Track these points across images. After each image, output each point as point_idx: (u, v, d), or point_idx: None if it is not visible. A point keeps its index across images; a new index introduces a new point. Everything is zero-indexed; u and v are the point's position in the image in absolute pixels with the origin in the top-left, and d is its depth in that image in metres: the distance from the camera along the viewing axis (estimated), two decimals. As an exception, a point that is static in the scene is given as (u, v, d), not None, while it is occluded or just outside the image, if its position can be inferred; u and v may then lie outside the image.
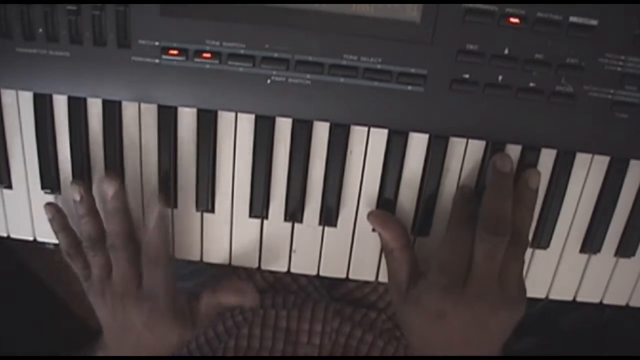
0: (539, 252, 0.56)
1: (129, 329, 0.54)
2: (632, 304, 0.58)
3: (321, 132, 0.52)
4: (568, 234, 0.55)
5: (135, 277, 0.54)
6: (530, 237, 0.54)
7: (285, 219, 0.55)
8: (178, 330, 0.55)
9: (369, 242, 0.55)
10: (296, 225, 0.56)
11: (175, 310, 0.54)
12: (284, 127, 0.52)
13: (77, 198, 0.54)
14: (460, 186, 0.53)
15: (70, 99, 0.52)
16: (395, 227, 0.53)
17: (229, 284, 0.57)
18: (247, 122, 0.52)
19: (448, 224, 0.52)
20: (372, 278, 0.57)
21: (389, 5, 0.48)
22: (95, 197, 0.55)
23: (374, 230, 0.55)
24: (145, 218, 0.54)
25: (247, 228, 0.56)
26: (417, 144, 0.53)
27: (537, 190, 0.52)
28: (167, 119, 0.52)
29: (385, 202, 0.54)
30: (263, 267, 0.57)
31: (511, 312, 0.50)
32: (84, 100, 0.53)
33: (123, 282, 0.53)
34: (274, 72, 0.50)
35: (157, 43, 0.50)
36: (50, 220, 0.56)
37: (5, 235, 0.58)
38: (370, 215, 0.54)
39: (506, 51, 0.49)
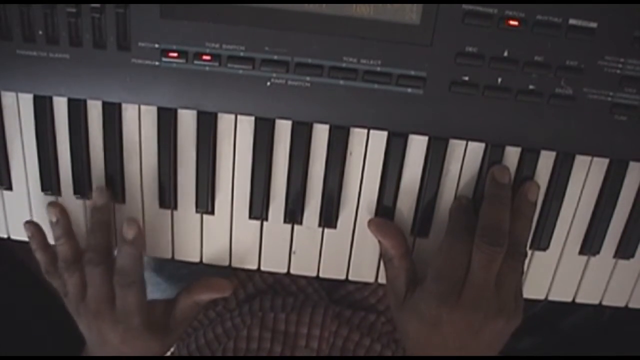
0: (538, 254, 0.56)
1: (107, 344, 0.55)
2: (631, 305, 0.58)
3: (321, 134, 0.52)
4: (567, 235, 0.55)
5: (109, 297, 0.54)
6: (529, 239, 0.54)
7: (285, 221, 0.55)
8: (156, 343, 0.56)
9: (369, 243, 0.55)
10: (296, 226, 0.56)
11: (150, 325, 0.55)
12: (283, 129, 0.53)
13: (54, 220, 0.55)
14: (458, 196, 0.54)
15: (70, 101, 0.53)
16: (395, 235, 0.53)
17: (200, 281, 0.58)
18: (247, 124, 0.52)
19: (445, 234, 0.52)
20: (371, 279, 0.57)
21: (388, 7, 0.48)
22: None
23: (373, 232, 0.55)
24: (122, 235, 0.54)
25: (246, 229, 0.56)
26: (417, 145, 0.53)
27: (535, 203, 0.53)
28: (167, 121, 0.52)
29: (385, 204, 0.54)
30: (263, 268, 0.57)
31: (506, 323, 0.51)
32: (84, 102, 0.53)
33: (97, 301, 0.54)
34: (274, 75, 0.50)
35: (156, 45, 0.50)
36: (30, 238, 0.56)
37: (5, 236, 0.59)
38: (370, 222, 0.54)
39: (505, 53, 0.49)
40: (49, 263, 0.56)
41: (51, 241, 0.57)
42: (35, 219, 0.57)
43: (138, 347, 0.55)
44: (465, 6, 0.48)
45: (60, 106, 0.53)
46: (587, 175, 0.53)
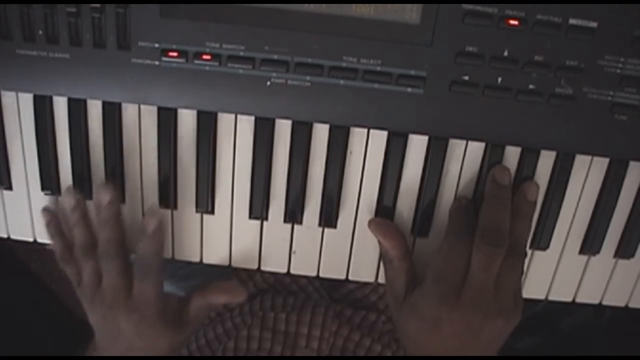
0: (538, 253, 0.56)
1: (120, 335, 0.55)
2: (631, 305, 0.58)
3: (321, 133, 0.52)
4: (567, 235, 0.55)
5: (125, 287, 0.54)
6: (529, 239, 0.54)
7: (285, 220, 0.55)
8: (168, 337, 0.55)
9: (369, 243, 0.55)
10: (296, 226, 0.56)
11: (164, 317, 0.55)
12: (283, 129, 0.53)
13: (71, 205, 0.54)
14: (458, 197, 0.54)
15: (70, 100, 0.53)
16: (396, 236, 0.53)
17: (216, 284, 0.58)
18: (247, 123, 0.52)
19: (445, 234, 0.52)
20: (371, 279, 0.57)
21: (388, 7, 0.48)
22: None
23: (374, 232, 0.55)
24: (143, 226, 0.54)
25: (247, 229, 0.56)
26: (417, 145, 0.53)
27: (535, 203, 0.53)
28: (167, 121, 0.52)
29: (385, 204, 0.54)
30: (263, 268, 0.57)
31: (505, 323, 0.51)
32: (84, 102, 0.53)
33: (113, 291, 0.54)
34: (274, 74, 0.50)
35: (157, 45, 0.50)
36: (47, 225, 0.56)
37: (5, 236, 0.59)
38: (371, 223, 0.54)
39: (506, 53, 0.49)
40: (65, 249, 0.56)
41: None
42: (35, 219, 0.57)
43: (150, 338, 0.55)
44: (465, 6, 0.48)
45: (60, 106, 0.53)
46: (587, 174, 0.53)
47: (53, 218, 0.56)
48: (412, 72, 0.50)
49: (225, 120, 0.53)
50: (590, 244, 0.55)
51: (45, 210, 0.56)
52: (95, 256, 0.54)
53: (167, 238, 0.56)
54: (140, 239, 0.53)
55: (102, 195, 0.53)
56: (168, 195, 0.55)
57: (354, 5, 0.48)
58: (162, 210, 0.56)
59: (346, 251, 0.56)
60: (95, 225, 0.55)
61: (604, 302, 0.58)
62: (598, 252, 0.56)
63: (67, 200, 0.55)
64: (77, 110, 0.53)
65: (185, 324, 0.57)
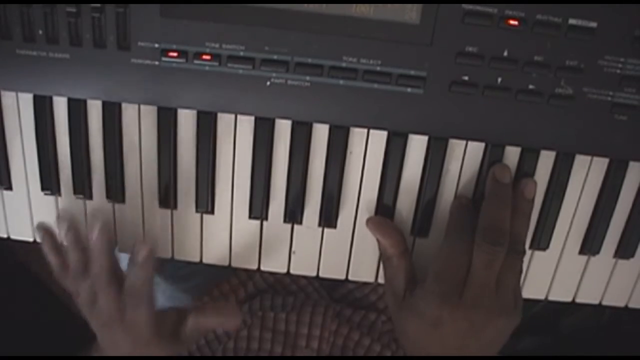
0: (538, 254, 0.56)
1: (119, 346, 0.54)
2: (631, 305, 0.58)
3: (321, 133, 0.52)
4: (567, 235, 0.55)
5: (119, 311, 0.53)
6: (529, 239, 0.54)
7: (285, 220, 0.55)
8: (165, 349, 0.55)
9: (369, 243, 0.55)
10: (296, 226, 0.56)
11: (161, 335, 0.54)
12: (283, 129, 0.53)
13: (64, 232, 0.53)
14: (458, 196, 0.54)
15: (70, 100, 0.53)
16: (394, 233, 0.53)
17: (213, 304, 0.57)
18: (246, 123, 0.53)
19: (445, 234, 0.52)
20: (371, 279, 0.57)
21: (388, 7, 0.48)
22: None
23: (373, 232, 0.55)
24: (133, 255, 0.53)
25: (246, 229, 0.56)
26: (417, 145, 0.53)
27: (533, 200, 0.52)
28: (167, 121, 0.52)
29: (385, 204, 0.54)
30: (262, 268, 0.57)
31: (507, 321, 0.51)
32: (84, 102, 0.53)
33: (106, 314, 0.53)
34: (274, 74, 0.50)
35: (156, 45, 0.50)
36: (42, 242, 0.55)
37: (5, 236, 0.58)
38: (369, 221, 0.54)
39: (505, 53, 0.49)
40: (61, 266, 0.55)
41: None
42: (35, 219, 0.57)
43: (147, 351, 0.55)
44: (465, 6, 0.48)
45: (60, 106, 0.53)
46: (587, 175, 0.53)
47: (48, 235, 0.55)
48: (412, 72, 0.50)
49: (225, 120, 0.53)
50: (590, 244, 0.55)
51: (40, 226, 0.55)
52: (89, 278, 0.53)
53: (163, 247, 0.56)
54: (130, 268, 0.52)
55: (93, 226, 0.52)
56: (168, 195, 0.55)
57: (353, 5, 0.48)
58: (154, 237, 0.55)
59: (346, 251, 0.56)
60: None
61: (604, 302, 0.58)
62: (598, 252, 0.56)
63: (61, 226, 0.54)
64: (77, 111, 0.53)
65: (181, 341, 0.57)
